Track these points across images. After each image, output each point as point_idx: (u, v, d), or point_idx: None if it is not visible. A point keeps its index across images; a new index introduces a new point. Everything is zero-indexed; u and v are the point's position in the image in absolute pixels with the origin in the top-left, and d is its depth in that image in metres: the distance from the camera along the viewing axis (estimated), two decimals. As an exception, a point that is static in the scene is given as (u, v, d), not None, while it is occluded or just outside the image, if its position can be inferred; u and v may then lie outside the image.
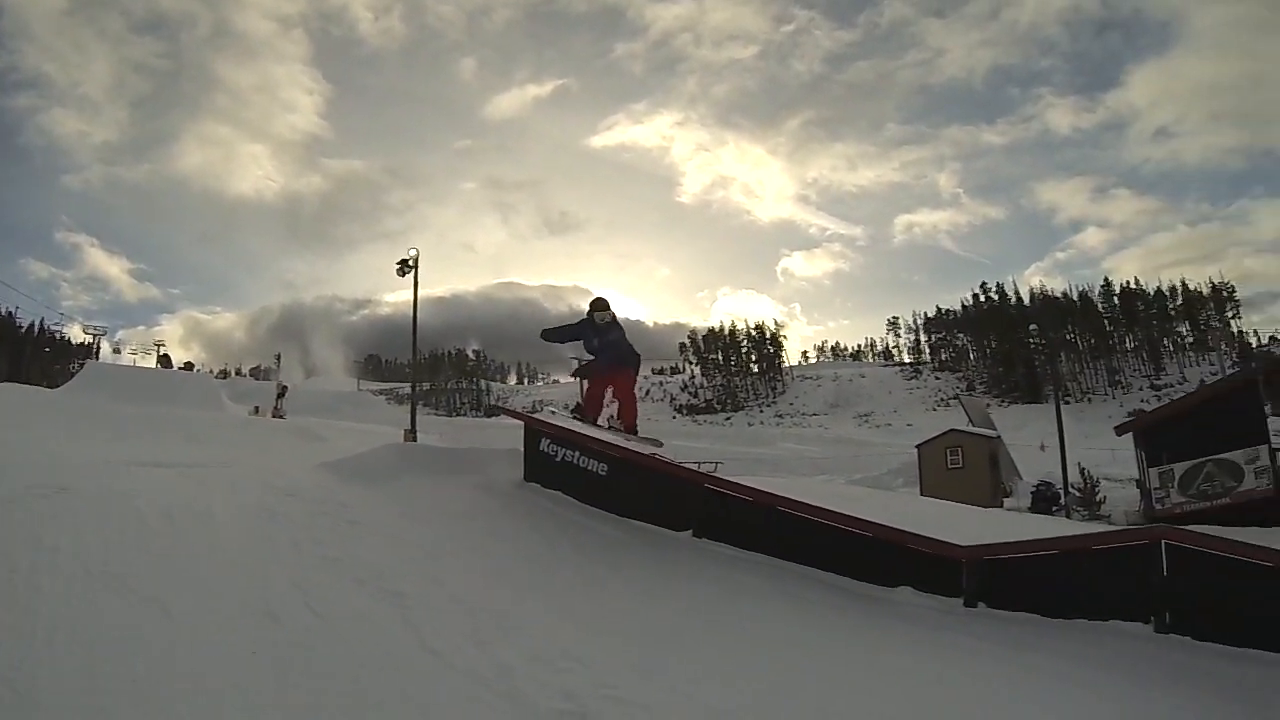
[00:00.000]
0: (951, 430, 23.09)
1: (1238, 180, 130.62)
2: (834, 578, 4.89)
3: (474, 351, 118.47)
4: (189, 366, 41.05)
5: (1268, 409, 14.66)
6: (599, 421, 6.88)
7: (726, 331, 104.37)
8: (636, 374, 7.07)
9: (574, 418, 6.99)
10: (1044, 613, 4.51)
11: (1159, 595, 4.34)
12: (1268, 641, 4.04)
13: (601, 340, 6.83)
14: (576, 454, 6.04)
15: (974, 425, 25.13)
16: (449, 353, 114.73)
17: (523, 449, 6.40)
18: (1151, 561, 4.34)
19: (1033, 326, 63.24)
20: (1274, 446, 14.85)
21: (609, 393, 6.94)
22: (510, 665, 2.84)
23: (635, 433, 6.79)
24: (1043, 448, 28.76)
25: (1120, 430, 17.22)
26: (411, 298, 19.86)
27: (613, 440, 6.28)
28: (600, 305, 6.92)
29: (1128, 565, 4.41)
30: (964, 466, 20.78)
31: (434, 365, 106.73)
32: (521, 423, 6.82)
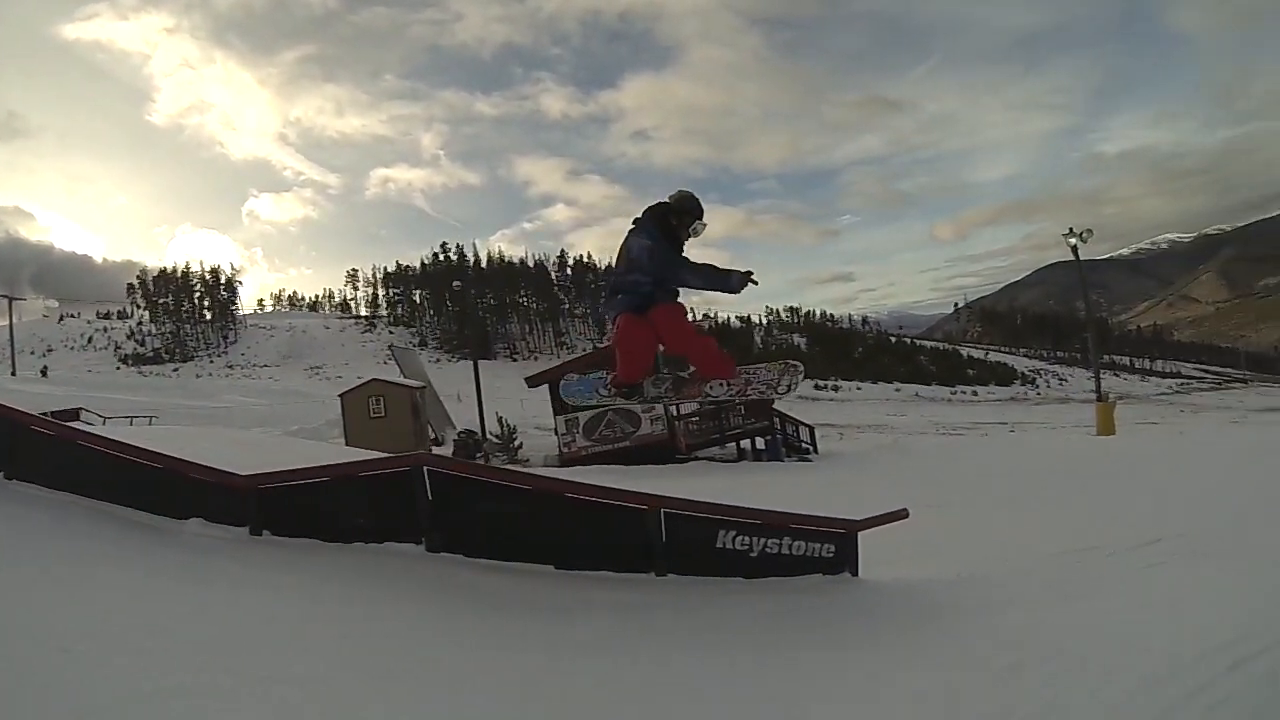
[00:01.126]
0: (373, 380, 23.42)
1: (697, 185, 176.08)
2: (132, 512, 4.72)
3: None
4: None
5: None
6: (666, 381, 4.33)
7: (180, 274, 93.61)
8: None
9: (616, 393, 4.39)
10: (324, 538, 4.66)
11: (427, 518, 4.75)
12: (523, 554, 4.74)
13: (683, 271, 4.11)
14: None
15: (405, 376, 26.38)
16: None
17: None
18: (417, 487, 4.73)
19: (456, 283, 68.66)
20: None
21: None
22: None
23: (734, 371, 4.30)
24: (459, 399, 31.53)
25: (530, 382, 20.59)
26: None
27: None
28: (698, 209, 4.12)
29: (396, 491, 4.76)
30: (386, 415, 21.20)
31: None
32: None
